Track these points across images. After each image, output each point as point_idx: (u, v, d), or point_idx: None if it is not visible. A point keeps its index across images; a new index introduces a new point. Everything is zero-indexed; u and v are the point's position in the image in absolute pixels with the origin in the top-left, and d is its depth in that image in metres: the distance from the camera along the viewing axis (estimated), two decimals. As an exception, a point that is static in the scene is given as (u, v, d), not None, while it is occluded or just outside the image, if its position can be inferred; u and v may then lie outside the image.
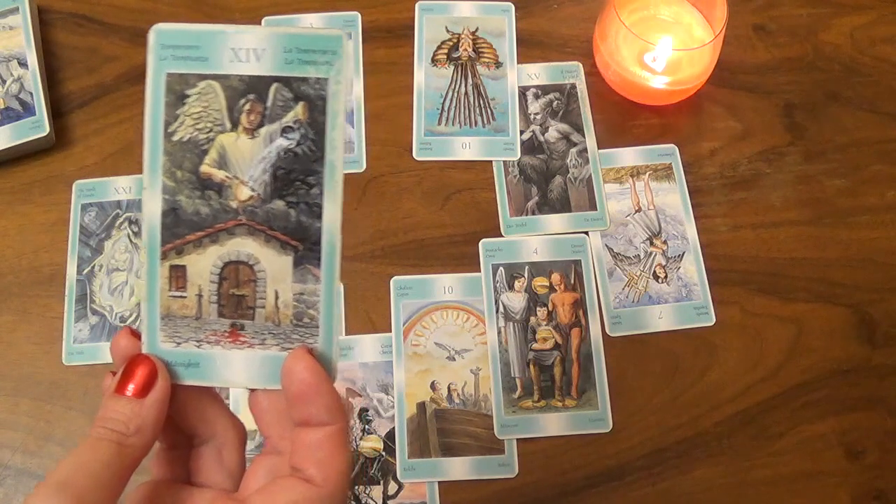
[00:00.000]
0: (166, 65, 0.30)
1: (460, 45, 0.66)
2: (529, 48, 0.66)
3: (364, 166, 0.62)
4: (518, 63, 0.66)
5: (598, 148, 0.63)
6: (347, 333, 0.57)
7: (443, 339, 0.57)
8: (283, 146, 0.30)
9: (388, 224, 0.60)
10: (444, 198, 0.61)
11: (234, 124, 0.30)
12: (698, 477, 0.54)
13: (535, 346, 0.57)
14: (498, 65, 0.66)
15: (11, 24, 0.63)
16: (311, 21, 0.67)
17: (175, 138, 0.30)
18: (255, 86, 0.29)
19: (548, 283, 0.59)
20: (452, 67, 0.66)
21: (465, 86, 0.65)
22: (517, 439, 0.55)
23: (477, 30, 0.67)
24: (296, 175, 0.30)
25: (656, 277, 0.59)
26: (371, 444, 0.54)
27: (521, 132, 0.63)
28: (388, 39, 0.67)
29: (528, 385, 0.56)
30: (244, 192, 0.30)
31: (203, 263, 0.30)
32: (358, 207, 0.61)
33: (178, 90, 0.30)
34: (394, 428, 0.55)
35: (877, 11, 0.69)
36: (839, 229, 0.61)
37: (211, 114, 0.30)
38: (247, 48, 0.29)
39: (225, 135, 0.30)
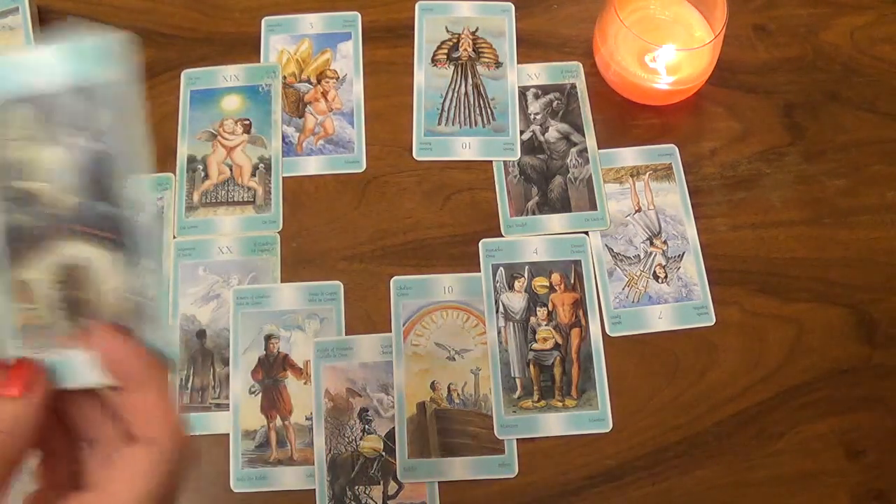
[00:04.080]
0: None
1: (460, 45, 0.66)
2: (529, 48, 0.66)
3: (364, 166, 0.62)
4: (518, 63, 0.66)
5: (598, 148, 0.63)
6: (347, 333, 0.57)
7: (443, 339, 0.57)
8: (96, 150, 0.31)
9: (388, 224, 0.60)
10: (444, 198, 0.61)
11: (50, 137, 0.31)
12: (698, 477, 0.54)
13: (535, 346, 0.57)
14: (498, 65, 0.66)
15: (11, 25, 0.63)
16: (311, 21, 0.67)
17: None
18: (62, 99, 0.31)
19: (548, 283, 0.59)
20: (452, 67, 0.66)
21: (465, 86, 0.65)
22: (517, 439, 0.55)
23: (477, 30, 0.67)
24: (107, 174, 0.31)
25: (656, 277, 0.59)
26: (371, 444, 0.54)
27: (521, 132, 0.63)
28: (388, 39, 0.67)
29: (528, 385, 0.56)
30: (66, 199, 0.32)
31: (43, 273, 0.32)
32: (358, 207, 0.61)
33: None
34: (394, 428, 0.55)
35: (877, 11, 0.69)
36: (839, 229, 0.61)
37: (24, 131, 0.32)
38: (49, 65, 0.31)
39: (40, 150, 0.31)
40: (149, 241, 0.32)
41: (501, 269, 0.59)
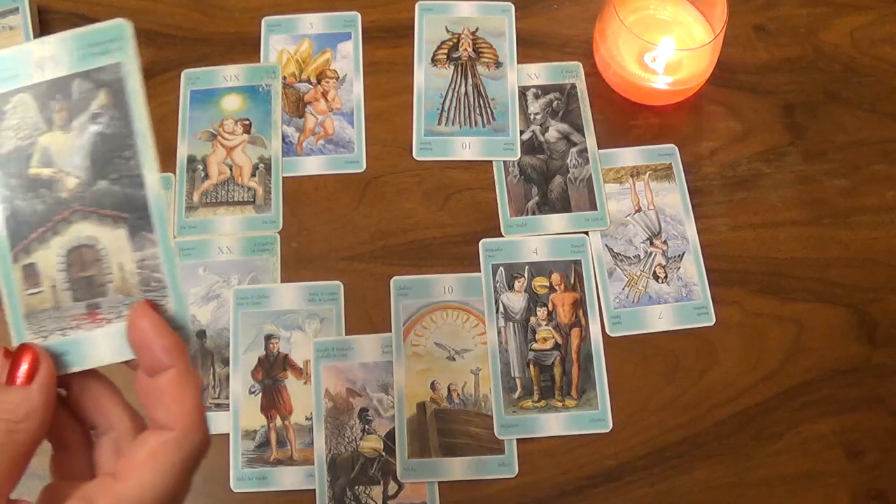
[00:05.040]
0: None
1: (460, 45, 0.66)
2: (529, 48, 0.66)
3: (364, 166, 0.62)
4: (518, 63, 0.66)
5: (598, 148, 0.63)
6: (347, 333, 0.57)
7: (443, 339, 0.57)
8: (95, 131, 0.32)
9: (388, 224, 0.60)
10: (444, 198, 0.61)
11: (50, 125, 0.32)
12: (698, 477, 0.54)
13: (535, 346, 0.57)
14: (498, 65, 0.66)
15: (11, 24, 0.63)
16: (311, 21, 0.67)
17: (2, 151, 0.33)
18: (60, 87, 0.32)
19: (548, 283, 0.59)
20: (452, 67, 0.66)
21: (465, 86, 0.65)
22: (517, 439, 0.55)
23: (477, 30, 0.67)
24: (112, 154, 0.32)
25: (656, 277, 0.59)
26: (371, 444, 0.54)
27: (521, 132, 0.63)
28: (388, 39, 0.67)
29: (528, 385, 0.56)
30: (71, 182, 0.32)
31: (50, 256, 0.32)
32: (358, 207, 0.61)
33: None
34: (394, 428, 0.55)
35: (877, 11, 0.69)
36: (839, 229, 0.61)
37: (28, 121, 0.33)
38: (46, 57, 0.32)
39: (44, 136, 0.32)
40: (156, 214, 0.32)
41: (501, 269, 0.59)
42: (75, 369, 0.32)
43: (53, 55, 0.32)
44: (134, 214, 0.32)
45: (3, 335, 0.33)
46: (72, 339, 0.32)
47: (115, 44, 0.32)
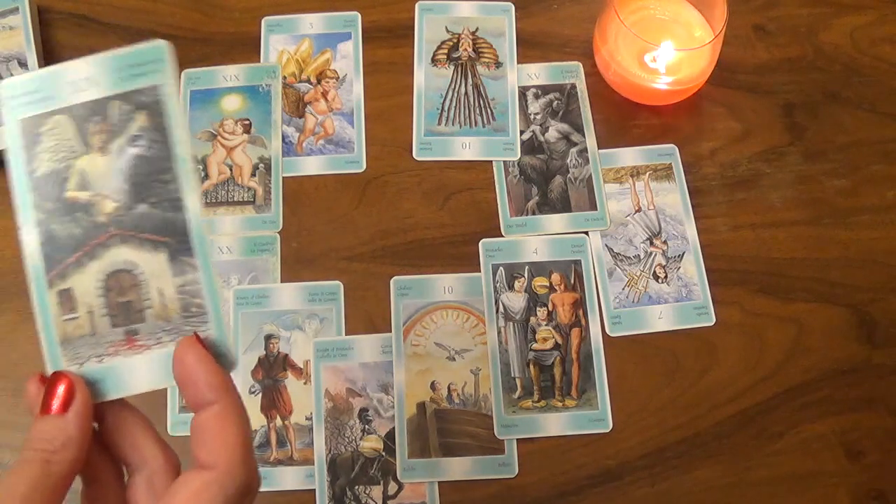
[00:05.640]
0: (18, 112, 0.33)
1: (460, 45, 0.66)
2: (529, 48, 0.66)
3: (364, 166, 0.62)
4: (518, 63, 0.66)
5: (598, 148, 0.63)
6: (347, 333, 0.57)
7: (443, 339, 0.57)
8: (134, 153, 0.32)
9: (388, 224, 0.60)
10: (444, 198, 0.61)
11: (87, 147, 0.32)
12: (698, 477, 0.54)
13: (535, 346, 0.57)
14: (498, 65, 0.66)
15: (11, 24, 0.63)
16: (311, 21, 0.67)
17: (38, 174, 0.32)
18: (98, 108, 0.32)
19: (548, 283, 0.59)
20: (452, 67, 0.66)
21: (465, 86, 0.65)
22: (517, 439, 0.55)
23: (477, 30, 0.67)
24: (151, 177, 0.32)
25: (656, 277, 0.59)
26: (371, 444, 0.54)
27: (521, 132, 0.63)
28: (388, 39, 0.67)
29: (528, 385, 0.56)
30: (109, 205, 0.32)
31: (87, 281, 0.32)
32: (358, 207, 0.61)
33: (32, 131, 0.32)
34: (394, 428, 0.55)
35: (877, 11, 0.69)
36: (839, 229, 0.61)
37: (64, 143, 0.32)
38: (83, 78, 0.32)
39: (81, 159, 0.32)
40: (196, 239, 0.32)
41: (501, 269, 0.59)
42: (112, 397, 0.32)
43: (91, 76, 0.32)
44: (174, 239, 0.31)
45: (39, 362, 0.32)
46: (108, 367, 0.32)
47: (155, 65, 0.32)
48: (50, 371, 0.32)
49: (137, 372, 0.31)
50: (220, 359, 0.31)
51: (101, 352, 0.32)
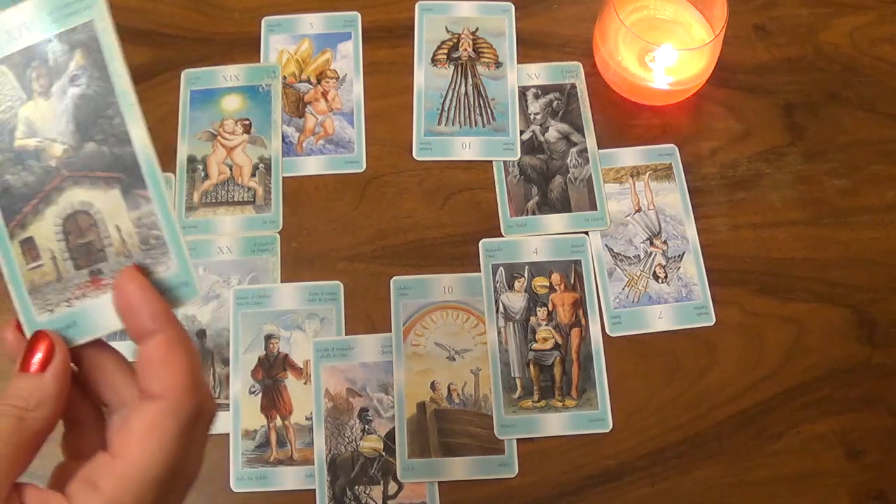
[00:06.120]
0: None
1: (460, 45, 0.66)
2: (529, 48, 0.66)
3: (364, 166, 0.62)
4: (518, 63, 0.66)
5: (598, 148, 0.63)
6: (347, 333, 0.57)
7: (443, 339, 0.57)
8: (76, 93, 0.31)
9: (388, 224, 0.60)
10: (444, 198, 0.61)
11: (29, 93, 0.32)
12: (698, 477, 0.54)
13: (535, 346, 0.57)
14: (498, 65, 0.66)
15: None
16: (311, 21, 0.67)
17: None
18: (35, 53, 0.31)
19: (548, 283, 0.59)
20: (452, 67, 0.66)
21: (465, 86, 0.65)
22: (517, 439, 0.55)
23: (477, 30, 0.67)
24: (95, 114, 0.31)
25: (656, 277, 0.59)
26: (371, 444, 0.54)
27: (521, 132, 0.63)
28: (388, 39, 0.67)
29: (528, 385, 0.56)
30: (58, 149, 0.32)
31: (46, 227, 0.32)
32: (358, 207, 0.61)
33: None
34: (394, 428, 0.55)
35: (877, 11, 0.69)
36: (839, 229, 0.61)
37: (6, 93, 0.32)
38: (17, 25, 0.31)
39: (25, 106, 0.32)
40: (147, 171, 0.31)
41: (501, 269, 0.59)
42: (86, 339, 0.32)
43: (24, 22, 0.31)
44: (125, 174, 0.31)
45: (10, 313, 0.32)
46: (78, 309, 0.32)
47: (86, 2, 0.31)
48: (23, 322, 0.32)
49: (107, 311, 0.31)
50: (182, 287, 0.31)
51: (69, 296, 0.32)
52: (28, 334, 0.32)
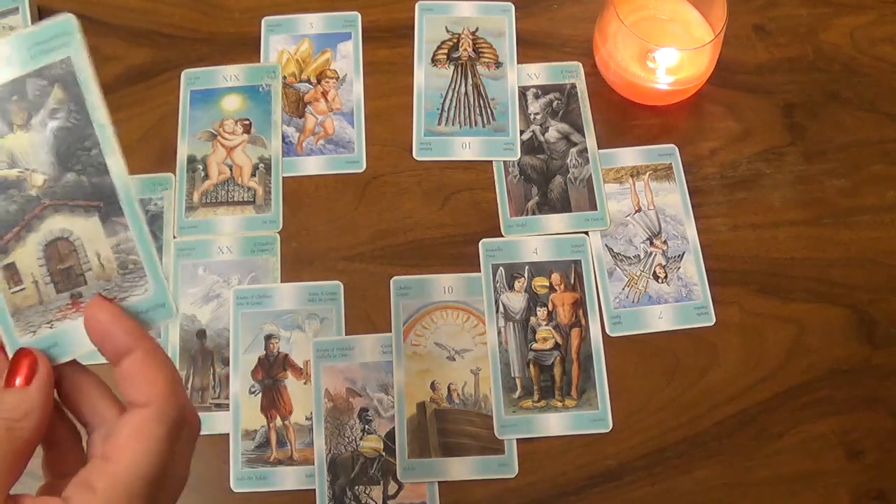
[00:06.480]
0: None
1: (460, 45, 0.66)
2: (529, 48, 0.66)
3: (364, 166, 0.62)
4: (518, 63, 0.66)
5: (598, 148, 0.63)
6: (347, 333, 0.57)
7: (443, 339, 0.57)
8: (55, 126, 0.33)
9: (388, 224, 0.60)
10: (444, 198, 0.61)
11: (10, 126, 0.33)
12: (698, 477, 0.54)
13: (535, 346, 0.57)
14: (498, 65, 0.66)
15: (11, 25, 0.63)
16: (311, 21, 0.67)
17: None
18: (15, 87, 0.33)
19: (548, 283, 0.59)
20: (452, 67, 0.66)
21: (465, 86, 0.65)
22: (517, 439, 0.55)
23: (477, 30, 0.67)
24: (74, 146, 0.33)
25: (656, 277, 0.59)
26: (371, 444, 0.54)
27: (521, 132, 0.63)
28: (388, 39, 0.67)
29: (528, 385, 0.56)
30: (38, 179, 0.33)
31: (28, 253, 0.33)
32: (358, 207, 0.61)
33: None
34: (394, 428, 0.55)
35: (877, 11, 0.69)
36: (839, 229, 0.61)
37: None
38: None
39: (5, 138, 0.33)
40: (124, 199, 0.33)
41: (501, 269, 0.59)
42: (67, 358, 0.33)
43: (7, 56, 0.33)
44: (104, 202, 0.33)
45: None
46: (59, 330, 0.33)
47: (63, 38, 0.33)
48: (6, 343, 0.33)
49: (84, 333, 0.33)
50: (159, 309, 0.34)
51: (50, 318, 0.33)
52: (10, 354, 0.33)
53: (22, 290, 0.33)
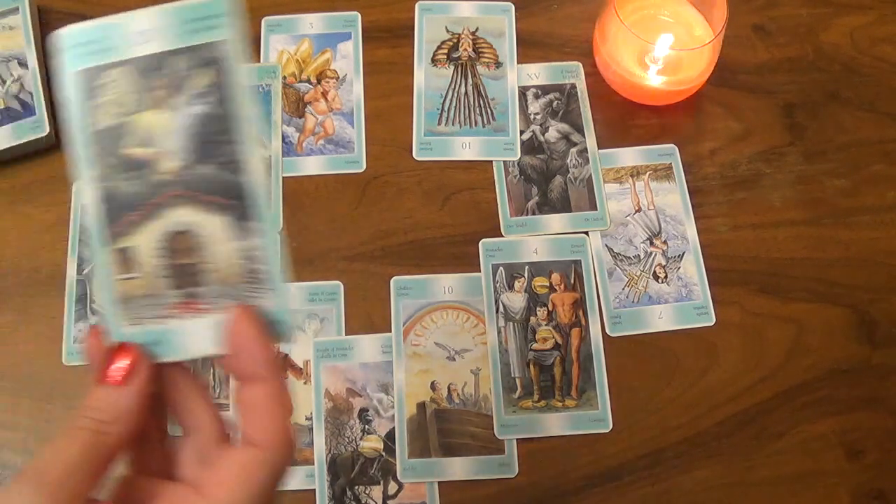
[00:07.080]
0: (77, 62, 0.31)
1: (460, 45, 0.66)
2: (529, 48, 0.66)
3: (364, 166, 0.62)
4: (518, 63, 0.66)
5: (598, 148, 0.63)
6: (347, 333, 0.57)
7: (443, 339, 0.57)
8: (199, 112, 0.30)
9: (388, 224, 0.60)
10: (444, 198, 0.61)
11: (148, 102, 0.30)
12: (698, 477, 0.54)
13: (535, 346, 0.57)
14: (498, 65, 0.66)
15: (11, 24, 0.63)
16: (311, 21, 0.67)
17: (97, 128, 0.31)
18: (162, 62, 0.30)
19: (548, 283, 0.59)
20: (452, 67, 0.66)
21: (465, 86, 0.65)
22: (517, 439, 0.55)
23: (477, 30, 0.67)
24: (215, 136, 0.30)
25: (656, 277, 0.59)
26: (371, 444, 0.54)
27: (521, 132, 0.63)
28: (388, 39, 0.67)
29: (528, 385, 0.56)
30: (170, 164, 0.30)
31: (146, 240, 0.30)
32: (358, 207, 0.61)
33: (90, 83, 0.31)
34: (394, 428, 0.55)
35: (877, 11, 0.69)
36: (839, 229, 0.61)
37: (124, 98, 0.30)
38: (145, 30, 0.30)
39: (142, 114, 0.30)
40: (259, 202, 0.30)
41: (501, 269, 0.59)
42: (168, 359, 0.31)
43: (154, 28, 0.30)
44: (237, 202, 0.30)
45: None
46: (167, 329, 0.31)
47: (218, 20, 0.30)
48: (109, 330, 0.31)
49: (194, 336, 0.30)
50: (277, 326, 0.31)
51: (159, 313, 0.31)
52: (110, 343, 0.31)
53: (133, 278, 0.31)
